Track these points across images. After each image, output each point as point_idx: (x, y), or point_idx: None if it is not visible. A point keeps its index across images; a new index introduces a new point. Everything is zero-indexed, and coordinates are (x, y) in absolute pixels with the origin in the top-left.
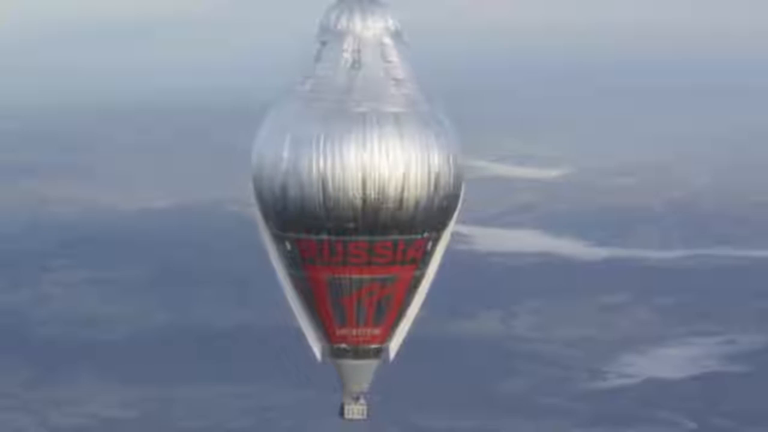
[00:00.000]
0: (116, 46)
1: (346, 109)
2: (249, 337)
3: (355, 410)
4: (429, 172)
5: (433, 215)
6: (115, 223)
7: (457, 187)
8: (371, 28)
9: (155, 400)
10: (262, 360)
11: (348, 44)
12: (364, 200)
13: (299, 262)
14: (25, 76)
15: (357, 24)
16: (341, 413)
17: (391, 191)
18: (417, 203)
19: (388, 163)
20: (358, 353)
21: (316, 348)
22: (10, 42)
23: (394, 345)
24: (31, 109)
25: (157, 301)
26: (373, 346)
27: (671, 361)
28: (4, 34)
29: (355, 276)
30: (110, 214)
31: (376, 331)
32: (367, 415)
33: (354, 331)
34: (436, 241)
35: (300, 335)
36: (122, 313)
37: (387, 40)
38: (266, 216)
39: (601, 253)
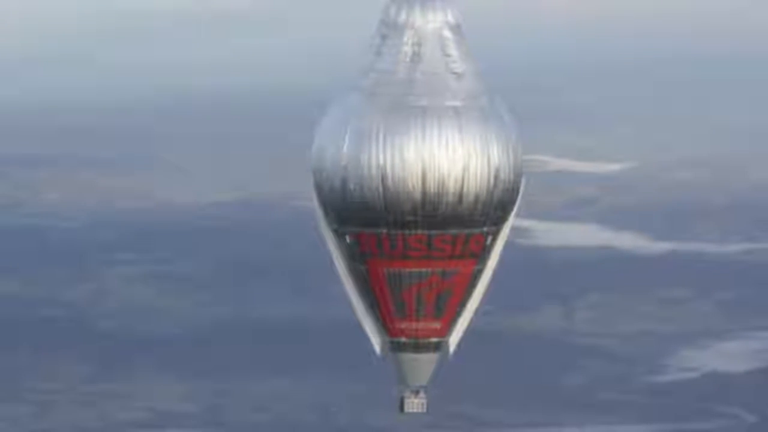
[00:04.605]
0: (173, 44)
1: (406, 103)
2: (308, 330)
3: (415, 404)
4: (489, 166)
5: (492, 209)
6: (175, 217)
7: (516, 181)
8: (431, 21)
9: (213, 394)
10: (321, 354)
11: (408, 38)
12: (424, 194)
13: (359, 256)
14: (87, 75)
15: (417, 17)
16: (401, 407)
17: (451, 185)
18: (477, 197)
19: (447, 157)
20: (418, 347)
21: (376, 342)
22: (67, 43)
23: (454, 339)
24: (93, 105)
25: (216, 295)
26: (433, 339)
27: (731, 355)
28: (62, 36)
29: (414, 269)
30: (170, 209)
31: (436, 325)
32: (427, 409)
33: (414, 325)
34: (495, 235)
35: (359, 329)
36: (181, 307)
37: (447, 34)
38: (326, 210)
39: (661, 247)
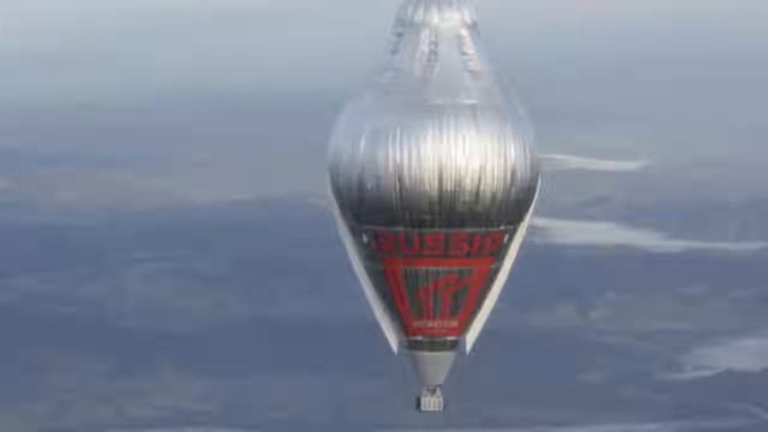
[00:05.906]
0: (191, 44)
1: (422, 102)
2: (326, 328)
3: (432, 402)
4: (505, 165)
5: (509, 208)
6: (194, 215)
7: (533, 179)
8: (448, 20)
9: (232, 391)
10: (338, 352)
11: (425, 36)
12: (441, 193)
13: (376, 255)
14: (106, 74)
15: (434, 16)
16: (417, 405)
17: (468, 184)
18: (493, 196)
19: (464, 155)
20: (434, 345)
21: (393, 340)
22: (90, 44)
23: (471, 337)
24: (112, 104)
25: (234, 293)
26: (450, 338)
27: (748, 352)
28: (84, 38)
29: (431, 268)
30: (188, 207)
31: (453, 323)
32: (444, 407)
33: (430, 323)
34: (512, 233)
35: (376, 327)
36: (200, 305)
37: (463, 33)
38: (343, 208)
39: (678, 245)
